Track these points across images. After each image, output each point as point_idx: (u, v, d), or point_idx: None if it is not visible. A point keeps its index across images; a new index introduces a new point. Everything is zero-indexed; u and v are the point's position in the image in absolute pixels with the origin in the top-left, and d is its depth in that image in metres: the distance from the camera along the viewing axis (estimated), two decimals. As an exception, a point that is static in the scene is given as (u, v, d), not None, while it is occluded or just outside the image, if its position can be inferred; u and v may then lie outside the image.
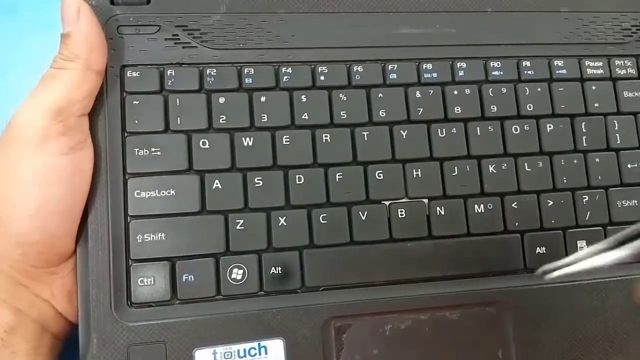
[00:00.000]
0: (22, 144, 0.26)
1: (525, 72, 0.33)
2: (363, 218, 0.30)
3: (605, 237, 0.32)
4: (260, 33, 0.31)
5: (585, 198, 0.32)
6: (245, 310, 0.29)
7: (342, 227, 0.30)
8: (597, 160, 0.33)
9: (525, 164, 0.32)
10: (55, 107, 0.26)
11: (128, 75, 0.29)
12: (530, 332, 0.30)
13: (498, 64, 0.33)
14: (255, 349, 0.28)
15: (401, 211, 0.30)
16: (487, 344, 0.30)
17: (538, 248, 0.31)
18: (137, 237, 0.28)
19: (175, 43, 0.30)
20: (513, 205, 0.31)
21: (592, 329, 0.31)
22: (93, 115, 0.28)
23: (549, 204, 0.32)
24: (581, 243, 0.32)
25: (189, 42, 0.30)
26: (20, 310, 0.27)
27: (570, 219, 0.32)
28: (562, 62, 0.33)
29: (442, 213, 0.31)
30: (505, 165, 0.32)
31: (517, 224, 0.31)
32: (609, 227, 0.32)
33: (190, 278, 0.28)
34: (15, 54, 0.34)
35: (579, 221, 0.32)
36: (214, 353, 0.28)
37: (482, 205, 0.31)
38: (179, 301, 0.28)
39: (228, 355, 0.28)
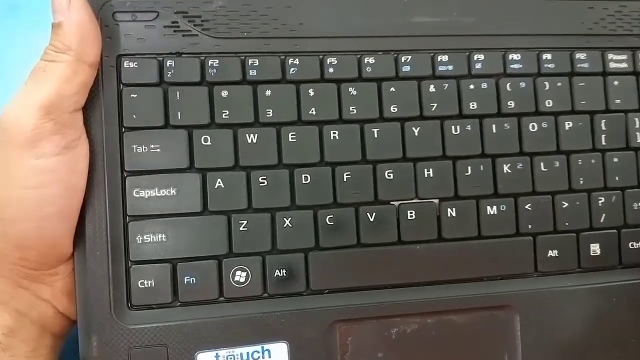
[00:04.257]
0: (12, 145, 0.24)
1: (546, 65, 0.31)
2: (371, 219, 0.29)
3: (620, 240, 0.31)
4: (266, 20, 0.29)
5: (601, 200, 0.31)
6: (248, 313, 0.28)
7: (349, 229, 0.29)
8: (615, 160, 0.31)
9: (542, 163, 0.30)
10: (45, 103, 0.24)
11: (125, 65, 0.27)
12: (538, 337, 0.30)
13: (517, 57, 0.31)
14: (258, 352, 0.28)
15: (411, 212, 0.29)
16: (494, 348, 0.30)
17: (550, 251, 0.30)
18: (137, 238, 0.27)
19: (174, 31, 0.28)
20: (527, 206, 0.30)
21: (600, 333, 0.30)
22: (88, 109, 0.27)
23: (564, 206, 0.31)
24: (594, 246, 0.31)
25: (190, 30, 0.28)
26: (19, 312, 0.26)
27: (584, 221, 0.31)
28: (585, 54, 0.31)
29: (453, 214, 0.30)
30: (521, 164, 0.30)
31: (530, 226, 0.30)
32: (624, 230, 0.31)
33: (192, 280, 0.28)
34: (14, 52, 0.33)
35: (593, 223, 0.31)
36: (217, 356, 0.27)
37: (494, 207, 0.30)
38: (180, 303, 0.28)
39: (231, 358, 0.28)
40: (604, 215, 0.31)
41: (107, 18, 0.27)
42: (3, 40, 0.33)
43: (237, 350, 0.28)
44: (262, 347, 0.28)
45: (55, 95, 0.25)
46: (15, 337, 0.26)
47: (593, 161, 0.31)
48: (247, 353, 0.28)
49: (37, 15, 0.32)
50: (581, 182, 0.31)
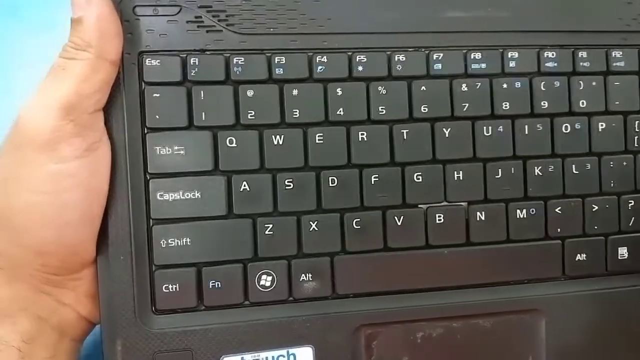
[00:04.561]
0: (31, 148, 0.23)
1: (581, 63, 0.30)
2: (398, 223, 0.28)
3: (648, 244, 0.31)
4: (293, 15, 0.27)
5: (631, 203, 0.30)
6: (273, 317, 0.27)
7: (376, 233, 0.28)
8: (647, 162, 0.31)
9: (573, 165, 0.30)
10: (65, 103, 0.23)
11: (147, 63, 0.26)
12: (563, 340, 0.30)
13: (552, 54, 0.29)
14: (284, 356, 0.28)
15: (439, 216, 0.29)
16: (519, 352, 0.29)
17: (578, 255, 0.30)
18: (161, 242, 0.27)
19: (198, 26, 0.27)
20: (556, 210, 0.30)
21: (627, 337, 0.30)
22: (109, 110, 0.26)
23: (594, 209, 0.30)
24: (622, 250, 0.30)
25: (214, 26, 0.27)
26: (40, 317, 0.26)
27: (614, 225, 0.30)
28: (621, 52, 0.30)
29: (482, 218, 0.29)
30: (552, 167, 0.29)
31: (559, 229, 0.30)
32: (653, 234, 0.31)
33: (217, 284, 0.27)
34: (15, 54, 0.32)
35: (622, 227, 0.30)
36: (242, 360, 0.27)
37: (524, 210, 0.29)
38: (205, 308, 0.27)
39: (256, 362, 0.27)
40: (633, 218, 0.30)
41: (127, 12, 0.26)
42: (3, 42, 0.32)
43: (263, 355, 0.27)
44: (288, 351, 0.28)
45: (75, 95, 0.24)
46: (35, 343, 0.25)
47: (625, 163, 0.30)
48: (273, 357, 0.27)
49: (38, 17, 0.31)
50: (612, 184, 0.30)
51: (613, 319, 0.30)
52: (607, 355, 0.30)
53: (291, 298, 0.28)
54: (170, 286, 0.27)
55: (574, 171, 0.30)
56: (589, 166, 0.30)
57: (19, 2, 0.32)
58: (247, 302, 0.28)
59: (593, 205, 0.30)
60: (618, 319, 0.30)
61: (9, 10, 0.32)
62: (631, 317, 0.30)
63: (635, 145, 0.30)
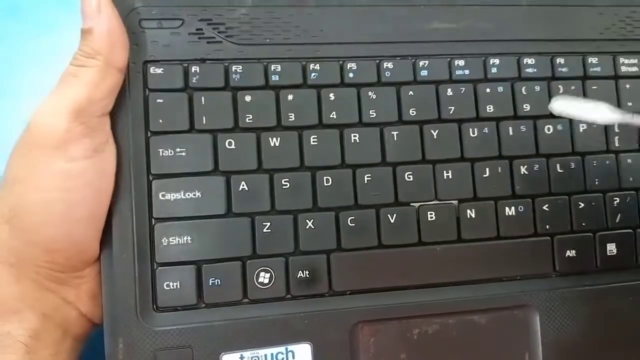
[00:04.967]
0: (43, 148, 0.25)
1: (559, 69, 0.32)
2: (392, 221, 0.29)
3: (635, 239, 0.32)
4: (288, 27, 0.30)
5: (616, 200, 0.31)
6: (272, 315, 0.28)
7: (370, 230, 0.29)
8: (629, 161, 0.32)
9: (557, 165, 0.31)
10: (75, 107, 0.25)
11: (151, 71, 0.28)
12: (558, 335, 0.30)
13: (532, 61, 0.31)
14: (282, 353, 0.28)
15: (431, 214, 0.30)
16: (515, 348, 0.30)
17: (568, 251, 0.31)
18: (163, 240, 0.28)
19: (199, 38, 0.29)
20: (544, 207, 0.31)
21: (619, 332, 0.31)
22: (115, 114, 0.27)
23: (580, 206, 0.31)
24: (611, 246, 0.31)
25: (214, 37, 0.29)
26: (45, 315, 0.26)
27: (601, 222, 0.31)
28: (597, 59, 0.32)
29: (472, 216, 0.30)
30: (537, 166, 0.31)
31: (547, 226, 0.31)
32: (639, 230, 0.32)
33: (217, 282, 0.28)
34: (15, 54, 0.33)
35: (609, 223, 0.31)
36: (241, 357, 0.28)
37: (512, 208, 0.30)
38: (205, 305, 0.28)
39: (255, 359, 0.28)
40: (619, 215, 0.31)
41: (133, 25, 0.28)
42: (4, 42, 0.33)
43: (262, 352, 0.28)
44: (286, 348, 0.28)
45: (85, 100, 0.25)
46: (40, 340, 0.26)
47: (607, 162, 0.32)
48: (272, 354, 0.28)
49: (39, 17, 0.32)
50: (596, 182, 0.31)
51: (605, 315, 0.31)
52: (602, 350, 0.30)
53: (289, 295, 0.29)
54: (171, 284, 0.28)
55: (559, 170, 0.31)
56: (573, 165, 0.31)
57: (19, 3, 0.33)
58: (246, 300, 0.28)
59: (579, 203, 0.31)
60: (610, 314, 0.31)
61: (9, 11, 0.33)
62: (622, 313, 0.31)
63: (617, 145, 0.32)
